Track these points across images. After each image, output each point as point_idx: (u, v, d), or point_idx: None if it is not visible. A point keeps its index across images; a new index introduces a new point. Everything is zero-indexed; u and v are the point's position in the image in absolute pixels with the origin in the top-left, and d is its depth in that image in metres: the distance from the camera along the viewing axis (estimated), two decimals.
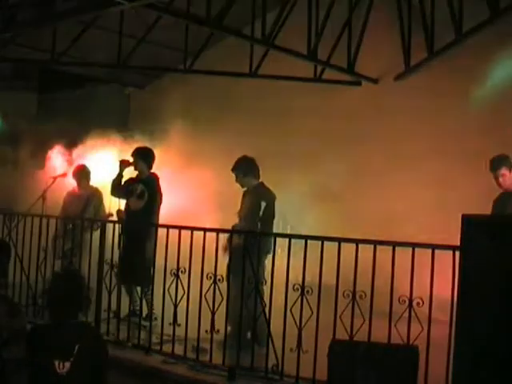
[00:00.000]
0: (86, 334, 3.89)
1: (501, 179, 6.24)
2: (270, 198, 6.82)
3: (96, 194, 8.53)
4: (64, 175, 8.83)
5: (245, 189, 6.97)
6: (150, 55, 10.93)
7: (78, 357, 3.69)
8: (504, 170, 6.20)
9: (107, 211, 8.14)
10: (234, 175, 6.97)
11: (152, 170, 7.78)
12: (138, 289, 7.29)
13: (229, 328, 6.00)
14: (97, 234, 6.78)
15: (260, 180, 6.96)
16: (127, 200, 7.72)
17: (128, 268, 6.88)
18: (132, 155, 7.76)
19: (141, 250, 6.85)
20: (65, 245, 7.36)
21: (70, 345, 3.70)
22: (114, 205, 7.92)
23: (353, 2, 9.64)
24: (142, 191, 7.57)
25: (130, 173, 7.97)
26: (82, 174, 8.62)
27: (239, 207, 6.88)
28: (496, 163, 6.23)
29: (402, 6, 9.44)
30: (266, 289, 5.71)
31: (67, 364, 3.67)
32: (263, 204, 6.66)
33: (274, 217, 6.85)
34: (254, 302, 5.75)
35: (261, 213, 6.63)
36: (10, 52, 10.50)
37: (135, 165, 7.74)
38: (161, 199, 7.65)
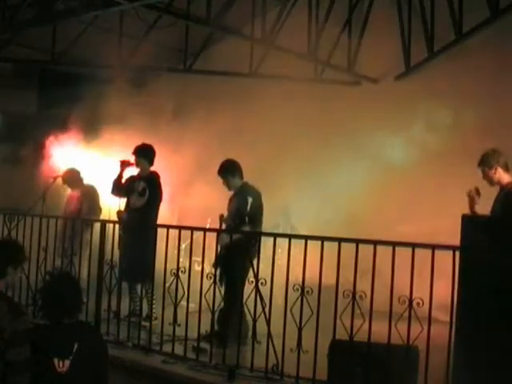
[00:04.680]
0: (84, 332, 3.91)
1: (485, 178, 6.22)
2: (256, 194, 6.96)
3: (89, 192, 8.59)
4: (63, 177, 8.85)
5: (231, 193, 7.06)
6: (150, 55, 10.92)
7: (77, 355, 3.70)
8: (483, 168, 6.16)
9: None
10: (221, 178, 7.07)
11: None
12: (138, 288, 7.30)
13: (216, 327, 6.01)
14: (97, 233, 6.78)
15: (244, 180, 7.09)
16: (128, 197, 7.74)
17: (129, 266, 6.88)
18: (133, 153, 7.78)
19: (141, 247, 6.85)
20: (65, 244, 7.37)
21: (68, 343, 3.72)
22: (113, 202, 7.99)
23: (353, 1, 9.65)
24: (143, 189, 7.59)
25: (130, 172, 8.00)
26: (70, 178, 8.68)
27: (226, 214, 6.99)
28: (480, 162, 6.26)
29: (401, 6, 9.44)
30: (266, 289, 5.71)
31: (67, 362, 3.68)
32: (250, 199, 6.79)
33: (261, 213, 6.96)
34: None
35: (248, 207, 6.74)
36: (10, 52, 10.50)
37: (136, 163, 7.76)
38: (161, 197, 7.68)
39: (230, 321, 5.96)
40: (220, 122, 9.39)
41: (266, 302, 5.72)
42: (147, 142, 7.95)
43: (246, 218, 6.62)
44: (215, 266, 6.18)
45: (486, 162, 6.12)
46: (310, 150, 9.55)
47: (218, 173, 7.08)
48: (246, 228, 6.57)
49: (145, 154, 7.72)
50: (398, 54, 9.49)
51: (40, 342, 3.70)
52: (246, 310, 5.90)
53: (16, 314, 3.73)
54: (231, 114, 9.61)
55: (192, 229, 6.45)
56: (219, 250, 6.39)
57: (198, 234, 6.32)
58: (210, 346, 5.87)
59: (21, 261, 4.19)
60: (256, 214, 6.84)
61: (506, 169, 6.07)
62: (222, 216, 6.57)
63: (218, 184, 7.21)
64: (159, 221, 7.57)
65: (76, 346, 3.72)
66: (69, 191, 8.87)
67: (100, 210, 8.66)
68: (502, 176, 6.03)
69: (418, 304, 4.83)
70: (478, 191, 5.96)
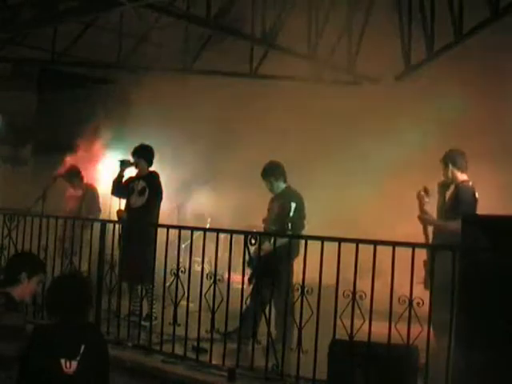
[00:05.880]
0: (90, 334, 3.91)
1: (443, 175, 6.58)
2: (300, 199, 6.90)
3: (88, 191, 8.63)
4: (64, 175, 8.87)
5: (272, 195, 7.01)
6: (150, 55, 10.93)
7: (84, 356, 3.69)
8: (442, 166, 6.55)
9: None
10: (264, 181, 7.02)
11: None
12: (139, 288, 7.30)
13: (274, 333, 5.86)
14: (97, 233, 6.78)
15: (287, 183, 7.04)
16: (128, 198, 7.75)
17: (129, 266, 6.87)
18: (132, 154, 7.82)
19: (142, 247, 6.85)
20: (65, 244, 7.37)
21: (75, 344, 3.71)
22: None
23: (353, 1, 9.65)
24: (143, 188, 7.62)
25: (130, 172, 8.02)
26: (71, 175, 8.72)
27: (266, 214, 6.93)
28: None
29: (401, 6, 9.44)
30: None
31: (74, 363, 3.67)
32: (293, 205, 6.73)
33: (304, 217, 6.89)
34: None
35: (291, 214, 6.68)
36: (10, 52, 10.50)
37: (136, 163, 7.80)
38: (161, 196, 7.70)
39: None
40: (223, 123, 9.42)
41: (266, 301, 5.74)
42: (148, 142, 7.99)
43: (289, 225, 6.55)
44: (250, 265, 6.14)
45: (442, 160, 6.52)
46: (309, 149, 9.56)
47: (261, 175, 7.02)
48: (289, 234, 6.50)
49: (143, 154, 7.78)
50: (398, 54, 9.48)
51: (47, 342, 3.70)
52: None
53: (9, 308, 3.74)
54: (232, 115, 9.63)
55: (192, 229, 6.46)
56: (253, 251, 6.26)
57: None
58: (210, 346, 5.87)
59: (36, 269, 4.17)
60: (299, 219, 6.77)
61: (462, 169, 6.40)
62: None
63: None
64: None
65: (83, 347, 3.72)
66: (69, 190, 8.89)
67: (99, 209, 8.69)
68: (455, 175, 6.40)
69: (418, 304, 4.82)
70: (426, 191, 6.27)
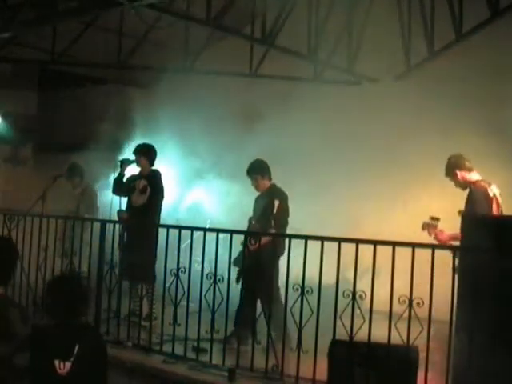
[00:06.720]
0: (86, 334, 3.89)
1: (456, 186, 6.50)
2: (283, 197, 6.90)
3: (87, 191, 8.64)
4: (65, 173, 8.88)
5: (258, 194, 7.01)
6: (150, 55, 10.93)
7: (78, 357, 3.68)
8: (450, 179, 6.49)
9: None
10: (250, 179, 7.07)
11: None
12: (139, 288, 7.30)
13: (273, 334, 5.84)
14: (97, 233, 6.78)
15: (272, 181, 7.06)
16: (129, 196, 7.77)
17: (130, 265, 6.86)
18: (134, 152, 7.83)
19: (143, 246, 6.85)
20: (65, 244, 7.38)
21: (70, 345, 3.70)
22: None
23: (353, 1, 9.64)
24: (144, 186, 7.64)
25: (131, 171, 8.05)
26: (73, 172, 8.73)
27: (252, 213, 6.94)
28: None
29: (402, 6, 9.44)
30: None
31: (68, 364, 3.66)
32: (276, 202, 6.73)
33: (287, 215, 6.88)
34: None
35: (274, 211, 6.68)
36: (10, 52, 10.49)
37: (137, 162, 7.81)
38: (163, 194, 7.72)
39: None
40: (222, 123, 9.41)
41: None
42: (149, 141, 8.01)
43: (272, 222, 6.58)
44: (239, 264, 6.14)
45: (448, 172, 6.41)
46: (309, 149, 9.55)
47: (247, 173, 7.05)
48: (272, 231, 6.52)
49: (145, 153, 7.80)
50: (399, 53, 9.48)
51: (41, 343, 3.69)
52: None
53: (27, 320, 3.73)
54: (232, 115, 9.61)
55: (192, 229, 6.46)
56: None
57: None
58: (210, 346, 5.87)
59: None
60: (282, 217, 6.78)
61: (468, 169, 6.31)
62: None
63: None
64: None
65: (77, 347, 3.71)
66: (68, 189, 8.89)
67: (97, 209, 8.70)
68: (466, 178, 6.29)
69: (417, 304, 4.82)
70: (433, 218, 6.17)
